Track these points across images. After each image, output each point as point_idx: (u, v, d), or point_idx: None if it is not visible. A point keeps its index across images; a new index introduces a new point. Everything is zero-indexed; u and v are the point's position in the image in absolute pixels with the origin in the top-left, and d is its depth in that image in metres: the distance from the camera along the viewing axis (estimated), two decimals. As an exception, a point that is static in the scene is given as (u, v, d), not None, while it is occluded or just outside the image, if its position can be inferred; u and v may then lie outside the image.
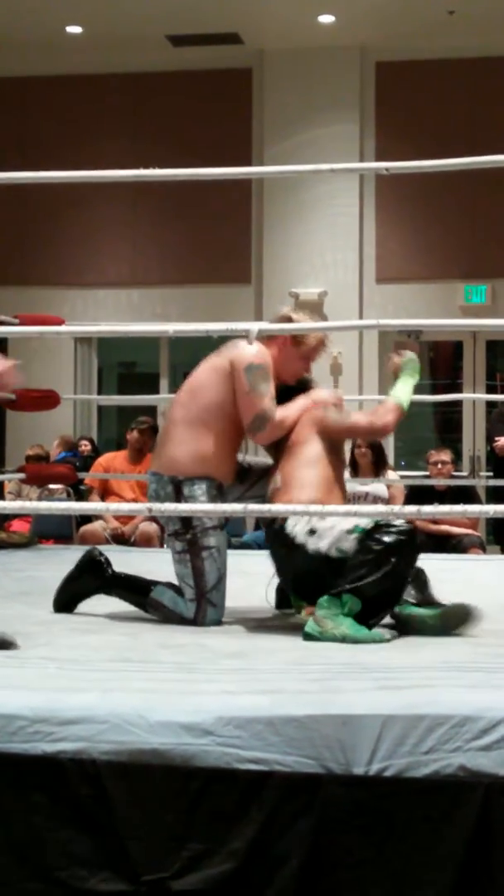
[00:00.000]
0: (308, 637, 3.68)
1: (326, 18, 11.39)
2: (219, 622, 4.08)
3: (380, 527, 3.84)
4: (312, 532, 3.92)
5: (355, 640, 3.61)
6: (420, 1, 10.94)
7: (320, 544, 3.90)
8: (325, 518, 3.86)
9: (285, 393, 4.25)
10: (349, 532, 3.88)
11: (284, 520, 3.94)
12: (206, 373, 4.18)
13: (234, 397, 4.08)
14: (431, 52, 11.78)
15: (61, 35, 11.87)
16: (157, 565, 5.82)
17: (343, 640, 3.63)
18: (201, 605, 4.05)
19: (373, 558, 3.78)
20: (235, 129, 12.16)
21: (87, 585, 4.27)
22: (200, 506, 3.98)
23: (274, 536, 4.04)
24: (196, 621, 4.02)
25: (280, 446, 4.20)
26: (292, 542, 3.94)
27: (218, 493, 4.14)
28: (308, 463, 4.13)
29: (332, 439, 4.22)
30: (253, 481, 4.35)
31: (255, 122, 12.25)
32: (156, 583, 4.17)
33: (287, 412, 4.14)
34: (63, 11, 11.37)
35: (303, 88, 11.96)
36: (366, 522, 3.86)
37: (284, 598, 4.33)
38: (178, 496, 4.06)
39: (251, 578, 4.48)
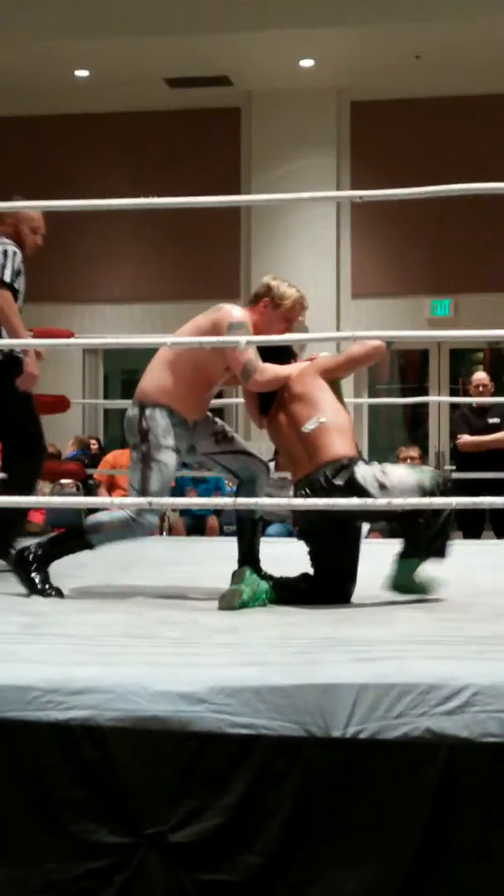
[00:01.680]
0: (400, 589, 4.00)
1: (307, 63, 11.39)
2: (153, 528, 4.22)
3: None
4: (383, 487, 3.95)
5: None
6: (390, 47, 10.94)
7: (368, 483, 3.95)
8: (387, 474, 3.96)
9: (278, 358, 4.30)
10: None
11: (353, 473, 3.98)
12: (189, 329, 4.30)
13: (208, 352, 4.18)
14: (400, 92, 11.80)
15: (70, 78, 11.85)
16: (156, 551, 5.84)
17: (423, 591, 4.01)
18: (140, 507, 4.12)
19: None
20: (226, 162, 12.16)
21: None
22: (194, 500, 4.00)
23: (346, 488, 3.96)
24: (135, 520, 4.09)
25: (293, 401, 4.21)
26: (365, 492, 3.93)
27: (180, 425, 4.22)
28: (333, 409, 4.19)
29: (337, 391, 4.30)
30: (225, 449, 4.40)
31: (243, 156, 12.25)
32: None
33: (282, 368, 4.26)
34: (72, 56, 11.36)
35: (286, 125, 11.96)
36: (428, 483, 3.96)
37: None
38: (142, 417, 4.18)
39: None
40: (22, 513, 5.42)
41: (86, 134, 12.34)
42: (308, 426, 4.13)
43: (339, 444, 4.09)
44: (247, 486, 4.41)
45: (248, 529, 4.43)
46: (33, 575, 4.13)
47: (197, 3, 10.43)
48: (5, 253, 5.01)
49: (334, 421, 4.15)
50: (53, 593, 4.08)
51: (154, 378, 4.27)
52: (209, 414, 4.47)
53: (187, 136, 12.21)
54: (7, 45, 10.97)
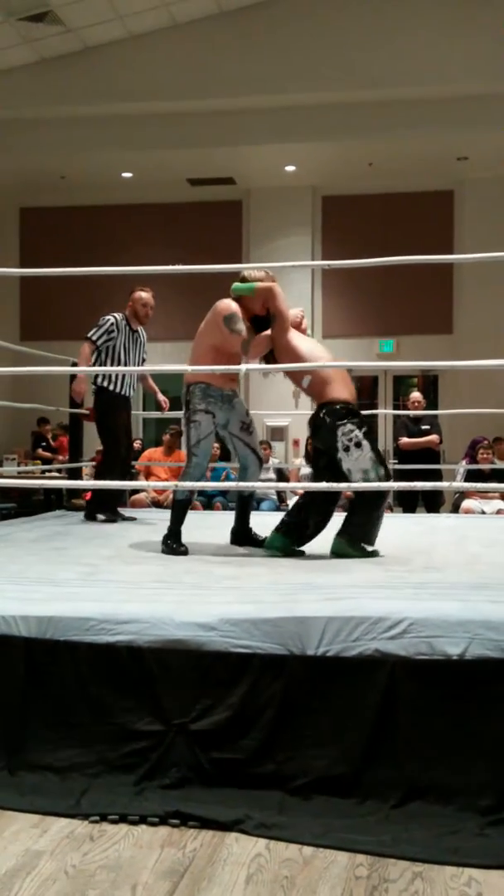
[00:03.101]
0: (338, 555, 3.87)
1: (290, 168, 11.39)
2: (203, 469, 4.17)
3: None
4: (347, 449, 3.88)
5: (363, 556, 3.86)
6: (351, 157, 10.96)
7: (347, 464, 3.87)
8: (360, 447, 3.86)
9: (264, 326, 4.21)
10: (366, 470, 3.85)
11: (338, 420, 3.90)
12: (204, 323, 4.28)
13: (220, 337, 4.13)
14: (358, 189, 11.81)
15: (118, 178, 11.84)
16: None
17: (361, 556, 3.85)
18: (189, 457, 4.16)
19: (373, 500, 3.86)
20: (231, 240, 12.15)
21: None
22: (214, 483, 4.00)
23: (329, 428, 3.93)
24: (189, 466, 4.13)
25: (287, 359, 4.09)
26: (335, 439, 3.88)
27: (214, 395, 4.17)
28: (315, 357, 4.07)
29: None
30: (243, 438, 4.30)
31: (243, 235, 12.24)
32: None
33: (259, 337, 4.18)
34: (119, 163, 11.36)
35: (274, 213, 11.96)
36: (373, 477, 3.83)
37: (240, 537, 4.34)
38: (186, 393, 4.20)
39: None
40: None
41: (127, 219, 12.34)
42: (304, 382, 4.08)
43: (329, 390, 4.00)
44: (242, 472, 4.41)
45: (243, 504, 4.43)
46: (169, 542, 4.12)
47: (210, 124, 10.43)
48: (105, 321, 5.64)
49: (322, 372, 4.01)
50: (183, 549, 4.08)
51: (190, 365, 4.23)
52: (247, 409, 4.39)
53: (203, 221, 12.20)
54: (72, 153, 10.97)
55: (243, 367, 3.96)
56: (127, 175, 11.76)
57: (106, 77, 10.36)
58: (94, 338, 5.56)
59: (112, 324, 5.61)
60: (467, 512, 7.70)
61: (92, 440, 9.97)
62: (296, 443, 11.39)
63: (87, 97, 10.43)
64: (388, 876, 2.08)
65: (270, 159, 11.06)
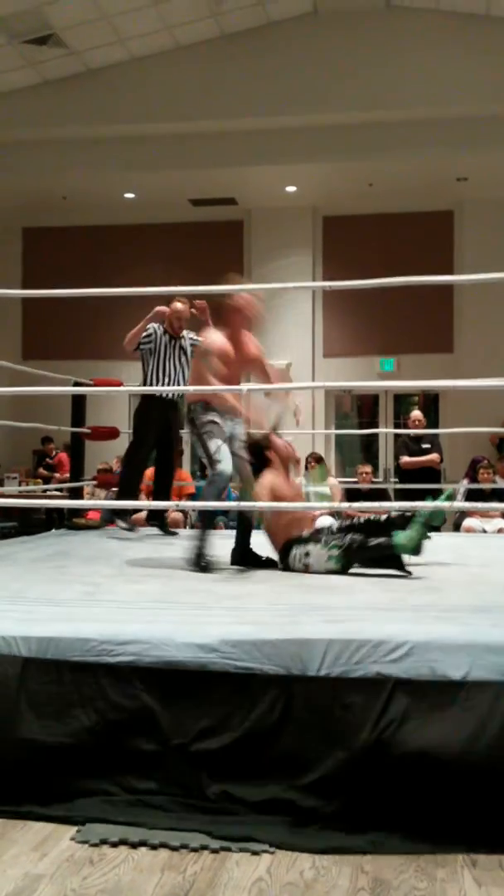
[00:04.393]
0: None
1: (291, 188, 11.44)
2: (229, 473, 4.21)
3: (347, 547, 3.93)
4: (306, 567, 4.03)
5: None
6: (351, 178, 11.02)
7: (317, 570, 3.99)
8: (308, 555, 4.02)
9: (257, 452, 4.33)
10: (329, 559, 3.97)
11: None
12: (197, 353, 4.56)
13: (204, 367, 4.30)
14: (358, 209, 11.85)
15: (121, 198, 11.90)
16: (180, 540, 5.82)
17: None
18: (213, 464, 4.17)
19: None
20: (232, 259, 12.17)
21: None
22: (207, 503, 3.99)
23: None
24: (215, 473, 4.16)
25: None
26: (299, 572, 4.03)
27: (215, 412, 4.25)
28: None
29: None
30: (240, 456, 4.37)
31: (245, 255, 12.28)
32: None
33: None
34: (121, 183, 11.43)
35: (275, 233, 12.01)
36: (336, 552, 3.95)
37: (240, 557, 4.36)
38: (189, 412, 4.36)
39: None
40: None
41: (131, 239, 12.38)
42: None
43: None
44: (244, 493, 4.42)
45: (245, 524, 4.42)
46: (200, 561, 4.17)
47: (212, 145, 10.50)
48: (144, 330, 5.87)
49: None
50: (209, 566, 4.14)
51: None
52: (245, 430, 4.48)
53: (204, 241, 12.24)
54: (74, 174, 11.04)
55: (244, 386, 3.99)
56: (129, 196, 11.83)
57: (108, 99, 10.45)
58: (128, 347, 5.91)
59: (148, 333, 5.86)
60: (468, 531, 7.68)
61: (93, 459, 10.01)
62: (297, 462, 11.39)
63: (89, 119, 10.51)
64: (390, 900, 2.06)
65: (271, 180, 11.12)
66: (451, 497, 4.01)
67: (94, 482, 7.86)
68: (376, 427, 11.97)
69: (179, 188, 11.41)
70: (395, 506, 3.68)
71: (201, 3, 9.64)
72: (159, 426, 5.85)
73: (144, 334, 5.85)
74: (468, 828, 2.33)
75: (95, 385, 6.77)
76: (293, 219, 11.97)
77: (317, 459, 4.67)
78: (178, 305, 5.86)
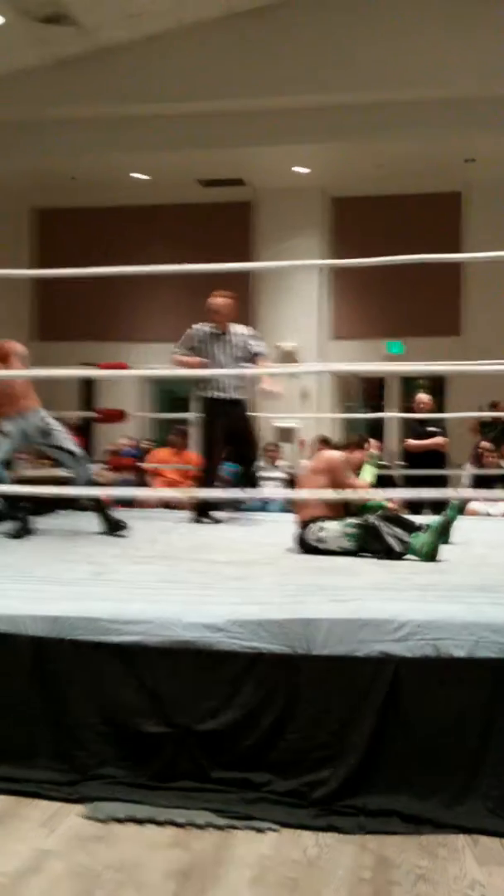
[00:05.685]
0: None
1: (299, 169, 11.36)
2: None
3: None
4: (319, 540, 4.05)
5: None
6: (359, 159, 10.93)
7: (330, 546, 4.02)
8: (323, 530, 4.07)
9: None
10: (345, 535, 3.99)
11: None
12: None
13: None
14: (365, 190, 11.76)
15: (128, 178, 11.84)
16: (187, 523, 5.83)
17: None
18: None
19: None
20: (240, 239, 12.14)
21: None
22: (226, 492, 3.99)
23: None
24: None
25: None
26: (311, 546, 4.07)
27: None
28: None
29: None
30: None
31: (252, 235, 12.22)
32: None
33: None
34: (131, 163, 11.37)
35: (283, 214, 11.95)
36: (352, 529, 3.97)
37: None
38: None
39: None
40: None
41: (139, 220, 12.32)
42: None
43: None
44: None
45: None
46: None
47: (221, 125, 10.42)
48: (187, 333, 5.80)
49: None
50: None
51: None
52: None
53: (213, 222, 12.17)
54: (85, 155, 10.99)
55: (247, 371, 3.98)
56: (138, 176, 11.76)
57: (117, 79, 10.36)
58: (175, 349, 5.81)
59: (189, 334, 5.80)
60: (473, 514, 7.67)
61: (102, 441, 9.99)
62: (301, 443, 11.38)
63: (98, 98, 10.43)
64: (392, 878, 2.08)
65: (279, 160, 11.04)
66: (455, 508, 4.04)
67: (108, 465, 7.85)
68: (383, 410, 11.93)
69: (188, 169, 11.34)
70: (401, 494, 3.66)
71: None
72: (223, 424, 5.68)
73: (185, 336, 5.80)
74: (471, 809, 2.34)
75: (102, 368, 6.76)
76: (301, 200, 11.89)
77: (358, 444, 4.53)
78: (211, 300, 5.74)
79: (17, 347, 4.59)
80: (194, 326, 5.80)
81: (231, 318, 5.78)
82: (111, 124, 10.61)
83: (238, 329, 5.80)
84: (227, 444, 5.80)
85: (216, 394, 5.63)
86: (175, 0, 9.76)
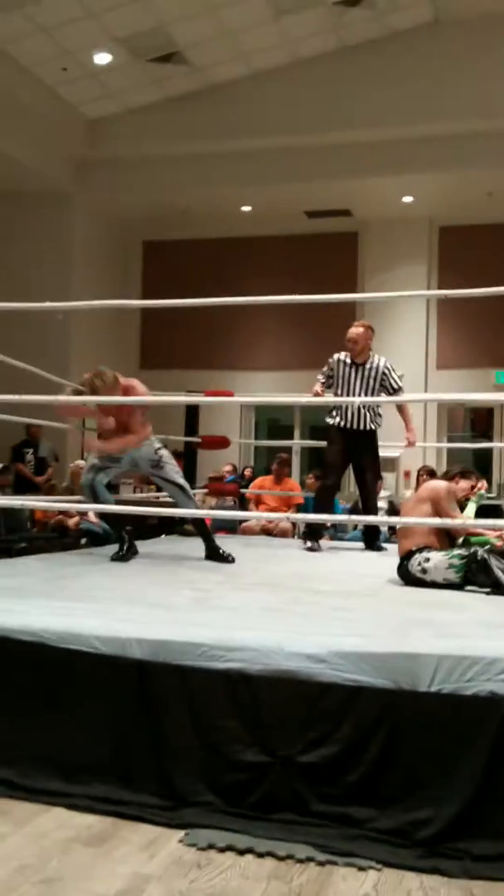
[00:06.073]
0: None
1: (407, 199, 11.34)
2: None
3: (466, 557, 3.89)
4: (424, 571, 3.99)
5: None
6: (469, 187, 10.83)
7: (434, 577, 3.96)
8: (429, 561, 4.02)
9: None
10: (450, 567, 3.91)
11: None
12: None
13: None
14: (476, 220, 11.64)
15: (238, 212, 12.05)
16: (288, 550, 5.83)
17: None
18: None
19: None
20: (347, 269, 12.17)
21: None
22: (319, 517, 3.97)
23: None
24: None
25: None
26: (414, 577, 4.03)
27: None
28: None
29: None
30: None
31: (359, 266, 12.24)
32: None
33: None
34: (239, 196, 11.58)
35: (391, 244, 11.95)
36: (458, 561, 3.91)
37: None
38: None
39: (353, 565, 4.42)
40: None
41: (247, 251, 12.51)
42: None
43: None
44: None
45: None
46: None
47: (328, 157, 10.53)
48: (328, 361, 5.82)
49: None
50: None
51: None
52: None
53: (320, 252, 12.26)
54: (195, 188, 11.27)
55: (357, 399, 3.96)
56: (246, 208, 11.96)
57: (227, 114, 10.61)
58: (320, 377, 5.83)
59: (328, 365, 5.83)
60: None
61: (205, 467, 10.14)
62: (406, 474, 11.22)
63: (208, 134, 10.70)
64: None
65: (387, 191, 11.05)
66: None
67: (206, 490, 7.94)
68: (491, 440, 11.68)
69: (295, 200, 11.48)
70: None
71: (322, 15, 9.67)
72: (346, 452, 5.75)
73: (326, 366, 5.83)
74: None
75: (208, 395, 6.85)
76: (409, 229, 11.86)
77: (462, 475, 4.45)
78: (350, 330, 5.75)
79: (140, 389, 4.65)
80: (334, 355, 5.81)
81: (367, 348, 5.73)
82: (221, 159, 10.86)
83: (377, 361, 5.75)
84: (342, 472, 5.90)
85: (341, 423, 5.65)
86: (285, 36, 9.93)
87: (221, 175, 10.99)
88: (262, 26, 9.70)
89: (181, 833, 2.38)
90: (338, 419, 5.69)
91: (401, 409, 5.84)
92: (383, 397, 5.53)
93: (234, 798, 2.47)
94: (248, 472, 10.95)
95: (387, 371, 5.67)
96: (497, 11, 9.68)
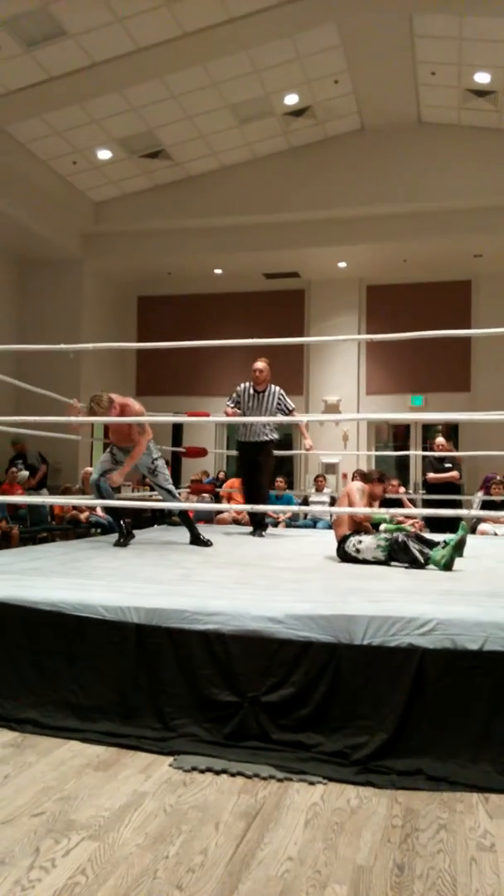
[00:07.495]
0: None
1: (342, 264, 11.42)
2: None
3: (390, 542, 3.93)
4: (357, 551, 4.00)
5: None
6: (390, 255, 10.93)
7: (366, 556, 3.97)
8: (361, 542, 4.05)
9: None
10: (378, 547, 3.95)
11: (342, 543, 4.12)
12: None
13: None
14: (395, 280, 11.75)
15: (212, 273, 12.05)
16: (253, 536, 5.81)
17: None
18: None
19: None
20: (296, 319, 12.21)
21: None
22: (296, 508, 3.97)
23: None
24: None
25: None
26: (350, 556, 4.04)
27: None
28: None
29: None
30: None
31: (305, 317, 12.28)
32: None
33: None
34: (212, 262, 11.57)
35: (329, 299, 11.98)
36: (384, 543, 3.94)
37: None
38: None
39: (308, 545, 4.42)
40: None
41: (219, 304, 12.48)
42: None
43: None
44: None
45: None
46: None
47: (282, 232, 10.57)
48: (236, 389, 5.86)
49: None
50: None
51: None
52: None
53: (274, 306, 12.27)
54: (177, 256, 11.24)
55: (304, 417, 3.98)
56: (218, 271, 11.97)
57: (202, 198, 10.63)
58: (228, 402, 5.87)
59: (235, 392, 5.89)
60: (483, 534, 7.48)
61: (186, 472, 10.08)
62: (344, 475, 11.29)
63: (188, 213, 10.70)
64: (419, 826, 2.01)
65: (327, 258, 11.12)
66: (464, 529, 3.98)
67: (189, 489, 7.91)
68: (408, 449, 11.77)
69: (256, 265, 11.50)
70: (424, 513, 3.59)
71: (274, 123, 9.74)
72: (251, 461, 5.79)
73: (234, 393, 5.89)
74: (482, 771, 2.25)
75: (189, 415, 6.84)
76: (343, 288, 11.93)
77: (378, 479, 4.47)
78: (255, 364, 5.86)
79: (135, 407, 4.62)
80: (240, 384, 5.86)
81: (267, 379, 5.81)
82: (198, 233, 10.88)
83: (273, 389, 5.85)
84: (249, 475, 5.82)
85: (244, 437, 5.77)
86: (245, 138, 9.99)
87: (198, 245, 11.00)
88: (229, 131, 9.76)
89: (171, 759, 2.37)
90: (241, 435, 5.80)
91: (298, 425, 5.95)
92: (280, 417, 5.66)
93: (212, 730, 2.46)
94: (221, 475, 10.94)
95: (281, 397, 5.80)
96: (409, 122, 9.85)
